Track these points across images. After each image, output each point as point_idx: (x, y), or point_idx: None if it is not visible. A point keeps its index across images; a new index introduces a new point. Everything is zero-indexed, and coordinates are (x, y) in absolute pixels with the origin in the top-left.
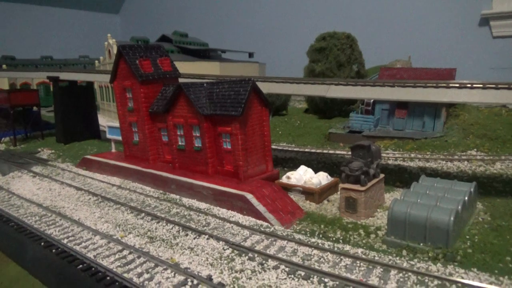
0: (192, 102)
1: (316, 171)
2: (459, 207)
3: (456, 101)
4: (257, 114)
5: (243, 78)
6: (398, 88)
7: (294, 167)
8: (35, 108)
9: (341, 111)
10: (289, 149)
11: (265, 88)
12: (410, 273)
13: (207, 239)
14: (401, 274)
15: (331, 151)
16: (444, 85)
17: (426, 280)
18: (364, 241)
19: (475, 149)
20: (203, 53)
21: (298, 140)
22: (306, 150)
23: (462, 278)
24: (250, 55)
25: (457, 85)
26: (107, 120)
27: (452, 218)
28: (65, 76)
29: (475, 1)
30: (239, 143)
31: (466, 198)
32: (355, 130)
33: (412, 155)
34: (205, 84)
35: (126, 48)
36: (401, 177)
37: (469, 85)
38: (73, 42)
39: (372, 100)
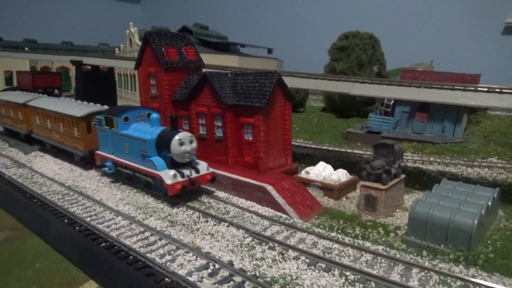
0: (216, 91)
1: (334, 168)
2: (483, 211)
3: (484, 105)
4: (280, 107)
5: (269, 71)
6: (424, 89)
7: (311, 163)
8: (56, 91)
9: (359, 111)
10: (307, 145)
11: (289, 82)
12: (432, 273)
13: (227, 226)
14: (423, 273)
15: (348, 150)
16: (472, 88)
17: (449, 281)
18: (383, 239)
19: (496, 157)
20: (223, 46)
21: (315, 137)
22: (324, 147)
23: (486, 281)
24: (269, 51)
25: (486, 89)
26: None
27: (476, 222)
28: (88, 60)
29: (500, 10)
30: (261, 135)
31: (489, 203)
32: (373, 130)
33: (431, 159)
34: (229, 75)
35: (153, 35)
36: (420, 180)
37: (498, 90)
38: (93, 30)
39: (392, 102)
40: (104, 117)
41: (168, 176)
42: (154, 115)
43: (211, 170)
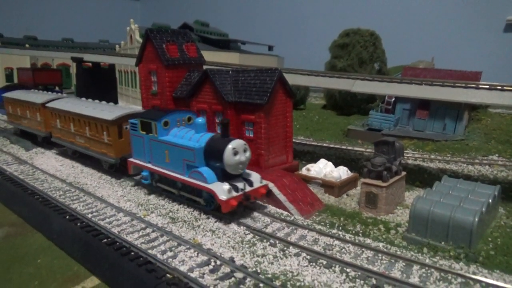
0: (217, 88)
1: (335, 165)
2: (483, 208)
3: (485, 102)
4: (281, 105)
5: (270, 68)
6: (425, 86)
7: (312, 160)
8: (57, 88)
9: (360, 109)
10: (307, 142)
11: (290, 79)
12: (433, 270)
13: (228, 223)
14: (423, 270)
15: (349, 147)
16: (474, 85)
17: (449, 277)
18: (384, 236)
19: (497, 154)
20: (223, 44)
21: (316, 134)
22: (324, 144)
23: (486, 277)
24: (270, 48)
25: (487, 86)
26: (125, 105)
27: (476, 219)
28: (89, 57)
29: (501, 7)
30: (262, 132)
31: (490, 200)
32: (374, 128)
33: (432, 156)
34: (230, 72)
35: (154, 32)
36: (420, 177)
37: (499, 87)
38: (94, 27)
39: (393, 99)
40: (140, 121)
41: (222, 190)
42: (200, 120)
43: (264, 182)
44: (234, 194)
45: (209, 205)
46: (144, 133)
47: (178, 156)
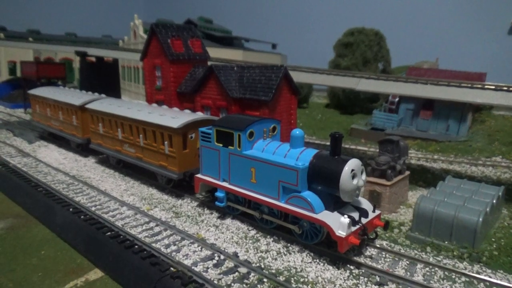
0: (222, 84)
1: None
2: (488, 209)
3: (491, 102)
4: (286, 102)
5: (275, 64)
6: (431, 86)
7: None
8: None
9: (363, 108)
10: (310, 141)
11: (294, 77)
12: (437, 268)
13: (232, 218)
14: (427, 268)
15: (352, 146)
16: (480, 86)
17: (453, 276)
18: (387, 234)
19: (501, 156)
20: (227, 41)
21: (319, 133)
22: (327, 143)
23: (490, 277)
24: (274, 46)
25: (493, 87)
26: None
27: (481, 219)
28: (92, 51)
29: (506, 9)
30: None
31: (494, 201)
32: (377, 127)
33: (435, 157)
34: (235, 68)
35: (159, 26)
36: (424, 177)
37: (505, 88)
38: (97, 22)
39: (396, 99)
40: (215, 130)
41: (340, 224)
42: (297, 132)
43: (378, 211)
44: (353, 228)
45: (308, 238)
46: (221, 145)
47: (272, 176)
